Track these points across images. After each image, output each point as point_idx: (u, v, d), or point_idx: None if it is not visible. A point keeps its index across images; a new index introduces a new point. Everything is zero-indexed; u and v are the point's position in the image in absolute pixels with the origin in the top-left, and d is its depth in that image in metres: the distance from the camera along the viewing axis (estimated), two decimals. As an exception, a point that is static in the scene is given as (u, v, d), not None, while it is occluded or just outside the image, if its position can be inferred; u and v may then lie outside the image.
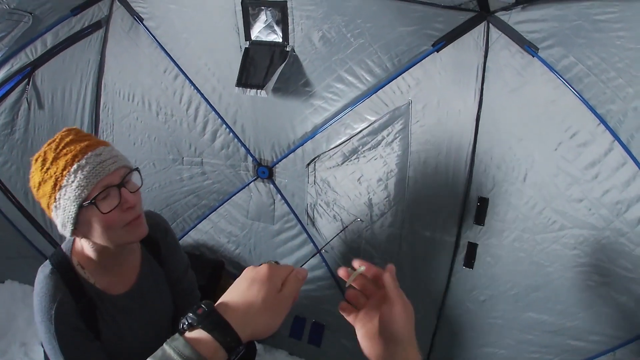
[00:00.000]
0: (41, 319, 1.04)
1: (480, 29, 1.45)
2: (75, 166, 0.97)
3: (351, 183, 1.76)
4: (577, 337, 1.55)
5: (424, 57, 1.56)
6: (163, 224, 1.33)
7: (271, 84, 1.69)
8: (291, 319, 2.23)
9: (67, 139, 1.01)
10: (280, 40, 1.69)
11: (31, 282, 2.39)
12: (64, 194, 0.97)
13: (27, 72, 2.03)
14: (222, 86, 1.88)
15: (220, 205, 2.14)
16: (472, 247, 1.63)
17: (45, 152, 1.01)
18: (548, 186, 1.45)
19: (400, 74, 1.61)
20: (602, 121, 1.30)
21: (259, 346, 2.31)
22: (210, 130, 1.96)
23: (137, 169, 1.08)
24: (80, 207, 0.97)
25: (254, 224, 2.12)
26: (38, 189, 1.02)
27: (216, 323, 0.59)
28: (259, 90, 1.72)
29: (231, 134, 1.95)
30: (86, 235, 1.04)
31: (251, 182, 2.02)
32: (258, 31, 1.71)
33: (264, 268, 0.65)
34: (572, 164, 1.39)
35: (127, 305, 1.18)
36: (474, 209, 1.59)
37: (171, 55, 1.91)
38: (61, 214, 1.00)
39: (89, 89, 2.06)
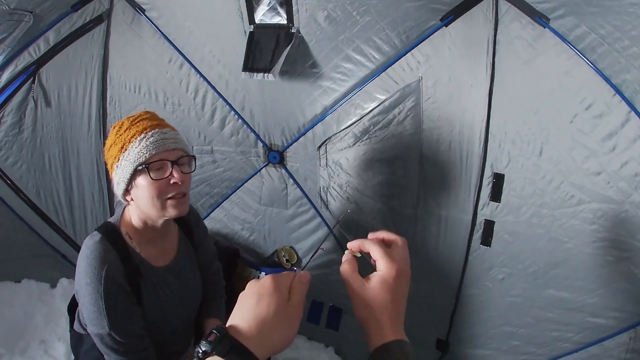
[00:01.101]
0: (90, 279, 1.20)
1: (488, 1, 1.50)
2: (142, 136, 1.22)
3: (364, 164, 1.86)
4: (597, 314, 1.62)
5: (433, 33, 1.62)
6: (195, 212, 1.61)
7: (278, 67, 1.77)
8: (309, 304, 2.38)
9: (144, 117, 1.28)
10: (285, 22, 1.76)
11: (48, 280, 2.64)
12: (127, 156, 1.22)
13: (32, 71, 2.16)
14: (229, 72, 1.98)
15: (233, 193, 2.28)
16: (489, 225, 1.71)
17: (123, 122, 1.27)
18: (565, 160, 1.51)
19: (409, 51, 1.68)
20: (618, 91, 1.35)
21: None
22: (218, 118, 2.08)
23: (193, 157, 1.33)
24: (136, 170, 1.21)
25: (268, 210, 2.26)
26: (108, 150, 1.28)
27: (230, 347, 0.59)
28: (265, 74, 1.80)
29: (240, 120, 2.06)
30: (134, 198, 1.27)
31: (262, 167, 2.14)
32: (262, 14, 1.78)
33: (267, 280, 0.65)
34: (589, 136, 1.45)
35: (167, 278, 1.38)
36: (490, 185, 1.67)
37: (175, 45, 2.02)
38: (120, 173, 1.24)
39: (94, 84, 2.19)
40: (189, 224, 1.54)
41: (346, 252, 0.75)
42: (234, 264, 2.39)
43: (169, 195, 1.24)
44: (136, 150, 1.20)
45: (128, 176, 1.22)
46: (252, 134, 2.08)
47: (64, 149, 2.33)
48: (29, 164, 2.33)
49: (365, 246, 0.74)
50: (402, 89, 1.71)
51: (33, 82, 2.18)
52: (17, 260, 2.62)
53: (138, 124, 1.25)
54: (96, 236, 1.27)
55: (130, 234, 1.33)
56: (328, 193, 2.01)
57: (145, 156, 1.20)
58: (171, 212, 1.26)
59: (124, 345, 1.25)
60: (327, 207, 2.05)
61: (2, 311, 2.45)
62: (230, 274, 2.41)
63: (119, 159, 1.24)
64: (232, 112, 2.06)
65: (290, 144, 2.03)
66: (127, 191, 1.27)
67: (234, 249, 2.42)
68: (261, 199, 2.23)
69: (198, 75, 2.03)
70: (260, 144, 2.09)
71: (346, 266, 0.71)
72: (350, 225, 1.97)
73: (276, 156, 2.08)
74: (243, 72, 1.84)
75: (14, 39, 2.07)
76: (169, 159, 1.22)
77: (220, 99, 2.04)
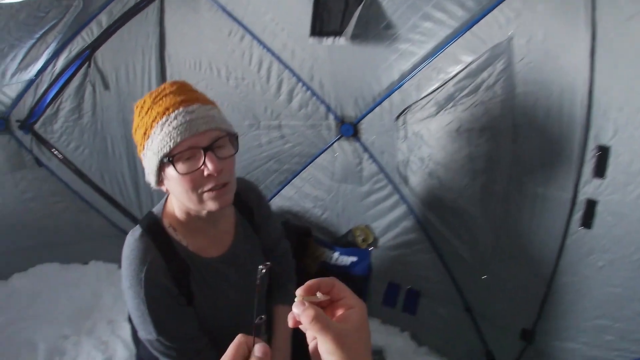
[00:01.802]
0: (130, 283, 1.28)
1: (586, -53, 1.57)
2: (164, 119, 1.20)
3: (448, 135, 2.03)
4: None
5: (523, -17, 1.72)
6: (256, 190, 1.68)
7: (350, 29, 1.97)
8: (384, 286, 2.69)
9: (168, 91, 1.25)
10: (355, -21, 1.94)
11: (115, 261, 3.26)
12: (150, 144, 1.23)
13: (87, 55, 2.61)
14: (294, 40, 2.25)
15: (304, 169, 2.61)
16: (591, 205, 1.79)
17: (144, 100, 1.27)
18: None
19: (497, 5, 1.79)
20: None
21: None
22: (285, 90, 2.38)
23: (235, 135, 1.31)
24: (162, 162, 1.22)
25: (341, 187, 2.56)
26: (134, 134, 1.30)
27: None
28: (336, 38, 2.03)
29: (309, 91, 2.34)
30: (169, 190, 1.30)
31: (335, 141, 2.43)
32: (328, -28, 1.97)
33: None
34: None
35: (221, 269, 1.45)
36: (593, 159, 1.74)
37: (234, 16, 2.31)
38: (147, 164, 1.27)
39: (152, 63, 2.59)
40: (248, 205, 1.60)
41: (299, 300, 0.74)
42: (305, 243, 2.76)
43: (206, 189, 1.24)
44: (159, 139, 1.20)
45: (155, 168, 1.24)
46: (323, 105, 2.35)
47: (126, 131, 2.79)
48: (92, 148, 2.84)
49: (325, 287, 0.75)
50: (490, 49, 1.83)
51: (89, 66, 2.64)
52: (84, 243, 3.23)
53: (160, 102, 1.23)
54: (136, 231, 1.34)
55: (175, 226, 1.39)
56: (407, 167, 2.24)
57: (170, 145, 1.18)
58: (211, 206, 1.27)
59: (175, 350, 1.33)
60: (406, 182, 2.28)
61: (71, 292, 3.09)
62: (302, 254, 2.77)
63: (143, 147, 1.26)
64: (300, 84, 2.34)
65: (365, 115, 2.27)
66: (160, 182, 1.30)
67: (305, 228, 2.78)
68: (334, 174, 2.53)
69: (261, 46, 2.32)
70: (331, 116, 2.36)
71: (312, 313, 0.68)
72: (434, 204, 2.21)
73: (349, 129, 2.33)
74: (310, 38, 2.08)
75: (65, 24, 2.51)
76: (199, 146, 1.21)
77: (287, 70, 2.33)
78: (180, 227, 1.40)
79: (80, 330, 2.84)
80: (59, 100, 2.74)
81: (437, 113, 2.04)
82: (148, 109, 1.24)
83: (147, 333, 1.31)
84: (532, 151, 1.88)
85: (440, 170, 2.13)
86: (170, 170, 1.23)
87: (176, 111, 1.20)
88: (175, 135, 1.18)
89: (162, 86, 1.28)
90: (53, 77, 2.69)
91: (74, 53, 2.61)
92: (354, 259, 2.72)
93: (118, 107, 2.70)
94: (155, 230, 1.36)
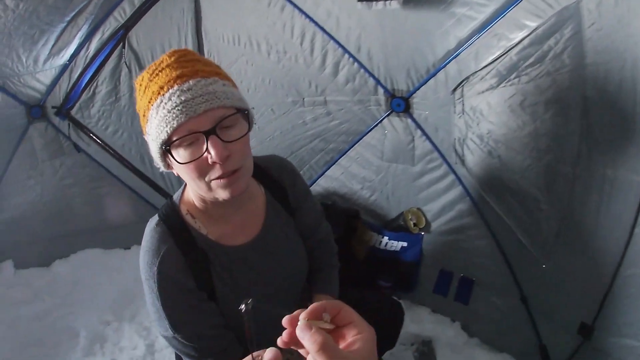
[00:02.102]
0: (145, 276, 1.29)
1: None
2: (158, 100, 1.14)
3: (510, 110, 2.02)
4: None
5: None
6: (290, 168, 1.62)
7: None
8: (436, 273, 2.74)
9: (165, 64, 1.18)
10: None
11: None
12: (149, 129, 1.19)
13: (121, 36, 2.76)
14: (338, 7, 2.29)
15: (351, 148, 2.67)
16: None
17: (143, 77, 1.21)
18: None
19: None
20: None
21: (400, 303, 2.95)
22: (330, 63, 2.43)
23: (245, 111, 1.23)
24: (162, 149, 1.18)
25: (391, 167, 2.61)
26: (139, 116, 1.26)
27: None
28: (388, 2, 2.04)
29: (356, 63, 2.38)
30: (180, 176, 1.26)
31: (384, 117, 2.47)
32: None
33: None
34: None
35: (249, 257, 1.43)
36: None
37: (272, -16, 2.35)
38: (150, 149, 1.23)
39: (189, 39, 2.70)
40: (281, 186, 1.56)
41: (303, 322, 0.71)
42: (353, 226, 2.84)
43: (214, 177, 1.19)
44: (155, 124, 1.15)
45: (158, 155, 1.22)
46: (371, 78, 2.38)
47: None
48: (130, 132, 3.01)
49: (332, 310, 0.74)
50: (557, 13, 1.79)
51: (123, 46, 2.79)
52: (126, 227, 3.44)
53: (156, 79, 1.16)
54: (153, 220, 1.35)
55: (193, 213, 1.37)
56: (465, 146, 2.25)
57: (166, 132, 1.13)
58: (221, 195, 1.22)
59: (194, 349, 1.32)
60: (463, 162, 2.30)
61: (112, 278, 3.31)
62: (350, 237, 2.86)
63: (146, 131, 1.23)
64: (346, 55, 2.38)
65: (418, 88, 2.29)
66: (169, 167, 1.27)
67: (353, 210, 2.86)
68: (383, 154, 2.58)
69: (303, 16, 2.37)
70: (381, 90, 2.40)
71: (319, 339, 0.67)
72: (493, 186, 2.22)
73: (400, 103, 2.36)
74: (359, 3, 2.10)
75: (96, 5, 2.65)
76: (200, 130, 1.13)
77: (332, 41, 2.37)
78: (199, 214, 1.38)
79: (122, 316, 3.05)
80: (95, 83, 2.92)
81: (498, 85, 2.03)
82: (145, 88, 1.19)
83: (163, 330, 1.32)
84: (603, 127, 1.86)
85: (500, 148, 2.13)
86: (171, 159, 1.20)
87: (170, 90, 1.13)
88: (170, 119, 1.11)
89: (161, 58, 1.20)
90: (87, 61, 2.86)
91: (107, 34, 2.77)
92: (404, 244, 2.78)
93: (156, 87, 2.82)
94: (172, 218, 1.35)
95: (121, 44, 2.78)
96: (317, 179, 2.87)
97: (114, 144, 3.09)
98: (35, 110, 2.98)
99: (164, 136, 1.14)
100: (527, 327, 2.42)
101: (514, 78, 1.97)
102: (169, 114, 1.11)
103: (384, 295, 1.89)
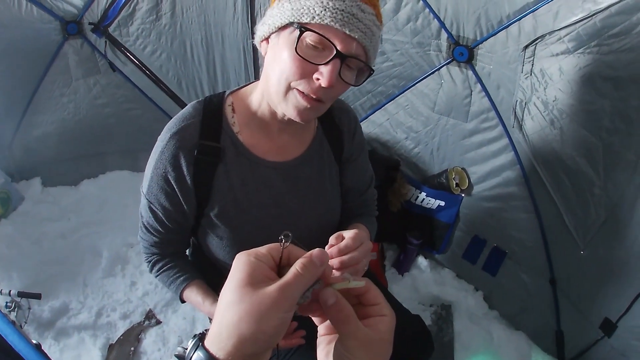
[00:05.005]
0: (160, 137, 1.43)
1: None
2: None
3: (583, 80, 1.92)
4: None
5: None
6: (353, 115, 1.59)
7: None
8: (468, 239, 2.74)
9: None
10: None
11: None
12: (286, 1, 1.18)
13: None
14: None
15: (401, 94, 2.60)
16: None
17: None
18: None
19: None
20: None
21: (424, 262, 2.98)
22: (393, -2, 2.30)
23: (371, 71, 1.23)
24: (285, 25, 1.17)
25: (441, 119, 2.55)
26: None
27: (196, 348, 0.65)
28: None
29: (421, 2, 2.25)
30: (266, 55, 1.26)
31: (443, 65, 2.38)
32: None
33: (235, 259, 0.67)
34: None
35: (271, 176, 1.41)
36: None
37: None
38: (275, 13, 1.20)
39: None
40: (338, 129, 1.53)
41: (330, 288, 0.68)
42: (392, 177, 2.85)
43: (300, 87, 1.18)
44: (312, 2, 1.12)
45: (278, 23, 1.18)
46: (436, 20, 2.27)
47: (207, 35, 2.90)
48: (169, 53, 2.99)
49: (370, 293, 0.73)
50: None
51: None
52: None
53: None
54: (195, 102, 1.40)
55: (236, 107, 1.38)
56: (526, 110, 2.16)
57: (312, 16, 1.11)
58: (287, 109, 1.23)
59: (146, 229, 1.62)
60: (520, 127, 2.21)
61: (139, 201, 3.36)
62: (386, 188, 2.87)
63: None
64: (412, -9, 2.26)
65: (486, 39, 2.17)
66: (267, 39, 1.26)
67: (394, 161, 2.85)
68: (435, 104, 2.51)
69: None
70: (444, 35, 2.29)
71: (346, 309, 0.67)
72: (547, 158, 2.15)
73: (464, 52, 2.26)
74: None
75: None
76: (338, 47, 1.12)
77: (397, -29, 2.25)
78: (242, 112, 1.38)
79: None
80: (135, 0, 2.85)
81: (575, 51, 1.92)
82: None
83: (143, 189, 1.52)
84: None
85: (564, 119, 2.04)
86: (284, 37, 1.18)
87: None
88: (330, 14, 1.10)
89: None
90: (128, -25, 2.79)
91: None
92: (441, 203, 2.77)
93: (200, 8, 2.78)
94: (214, 103, 1.37)
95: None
96: (361, 122, 2.78)
97: (152, 65, 3.09)
98: (72, 26, 2.96)
99: (306, 17, 1.12)
100: (549, 310, 2.43)
101: (594, 46, 1.85)
102: (333, 10, 1.10)
103: (419, 322, 1.81)
